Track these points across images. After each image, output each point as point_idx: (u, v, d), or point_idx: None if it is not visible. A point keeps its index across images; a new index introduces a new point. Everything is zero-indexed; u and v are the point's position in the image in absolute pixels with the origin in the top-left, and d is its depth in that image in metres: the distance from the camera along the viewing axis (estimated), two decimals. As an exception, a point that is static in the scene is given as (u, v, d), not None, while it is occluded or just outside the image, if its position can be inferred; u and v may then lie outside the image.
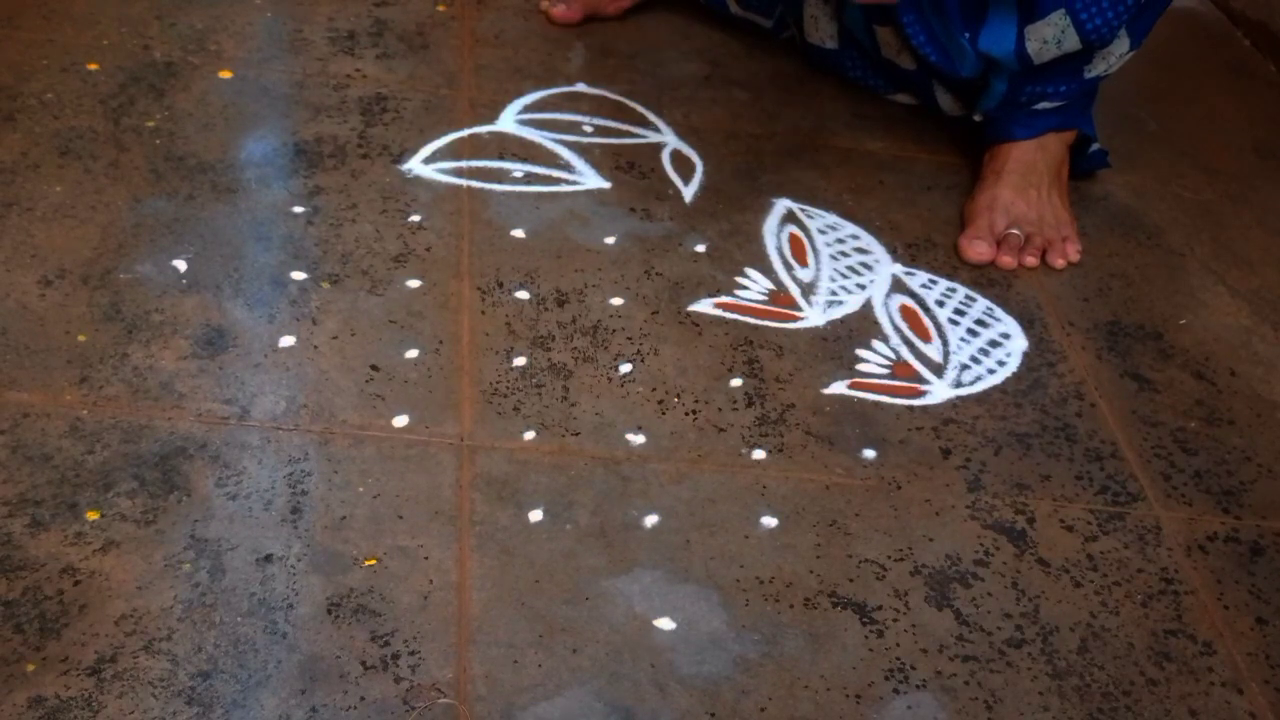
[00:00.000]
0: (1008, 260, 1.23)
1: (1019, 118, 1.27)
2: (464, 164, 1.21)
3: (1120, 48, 1.24)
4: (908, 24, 1.26)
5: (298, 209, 1.12)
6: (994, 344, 1.14)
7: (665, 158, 1.27)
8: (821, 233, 1.22)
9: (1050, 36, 1.20)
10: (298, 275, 1.06)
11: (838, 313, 1.14)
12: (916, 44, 1.27)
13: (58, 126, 1.16)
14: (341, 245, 1.10)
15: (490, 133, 1.26)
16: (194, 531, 0.85)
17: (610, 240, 1.16)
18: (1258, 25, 1.70)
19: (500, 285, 1.09)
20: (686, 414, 1.01)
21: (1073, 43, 1.20)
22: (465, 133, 1.25)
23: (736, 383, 1.05)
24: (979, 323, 1.16)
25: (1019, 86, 1.25)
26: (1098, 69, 1.25)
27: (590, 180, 1.22)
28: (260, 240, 1.08)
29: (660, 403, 1.02)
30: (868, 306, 1.15)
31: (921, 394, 1.07)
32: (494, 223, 1.15)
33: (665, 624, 0.86)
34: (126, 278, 1.03)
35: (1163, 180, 1.40)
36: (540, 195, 1.19)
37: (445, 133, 1.24)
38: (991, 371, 1.11)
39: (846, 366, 1.08)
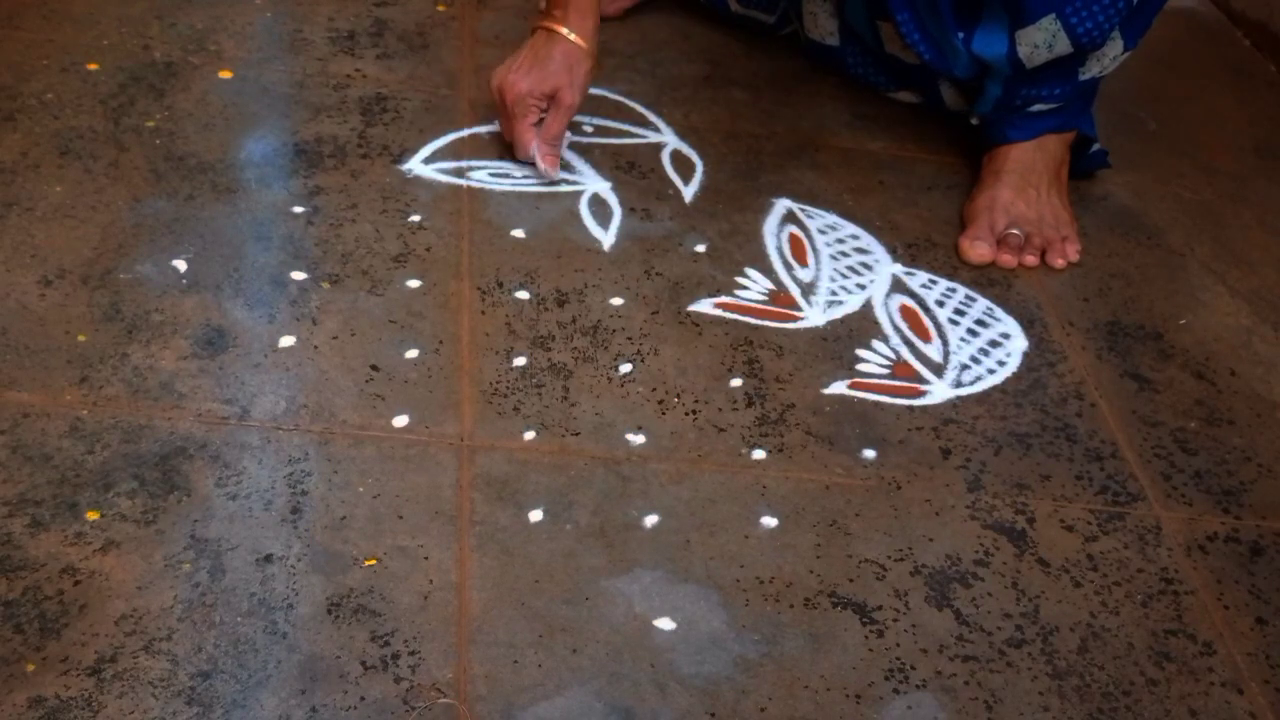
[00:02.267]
0: (1008, 259, 1.23)
1: (1015, 120, 1.27)
2: (464, 164, 1.21)
3: (1114, 49, 1.24)
4: (902, 21, 1.26)
5: (298, 209, 1.12)
6: (994, 344, 1.14)
7: (665, 158, 1.27)
8: (821, 233, 1.22)
9: (1041, 41, 1.20)
10: (298, 275, 1.06)
11: (838, 313, 1.14)
12: (911, 41, 1.27)
13: (58, 126, 1.16)
14: (341, 245, 1.10)
15: (490, 133, 1.26)
16: (194, 531, 0.85)
17: (610, 240, 1.16)
18: (1258, 25, 1.70)
19: (500, 285, 1.09)
20: (686, 414, 1.01)
21: (1064, 46, 1.20)
22: (465, 133, 1.25)
23: (736, 383, 1.05)
24: (979, 323, 1.16)
25: (1013, 90, 1.25)
26: (1092, 70, 1.25)
27: (590, 180, 1.22)
28: (260, 240, 1.08)
29: (660, 403, 1.02)
30: (868, 306, 1.15)
31: (921, 394, 1.07)
32: (494, 223, 1.15)
33: (665, 624, 0.86)
34: (126, 278, 1.03)
35: (1163, 180, 1.40)
36: (540, 195, 1.19)
37: (445, 133, 1.24)
38: (991, 371, 1.11)
39: (846, 366, 1.08)
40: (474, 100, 1.29)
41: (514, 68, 1.17)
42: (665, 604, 0.87)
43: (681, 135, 1.31)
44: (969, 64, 1.25)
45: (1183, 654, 0.91)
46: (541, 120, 1.19)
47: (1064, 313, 1.19)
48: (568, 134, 1.24)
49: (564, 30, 1.16)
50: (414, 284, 1.07)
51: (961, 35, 1.23)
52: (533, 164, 1.20)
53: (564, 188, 1.21)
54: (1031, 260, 1.24)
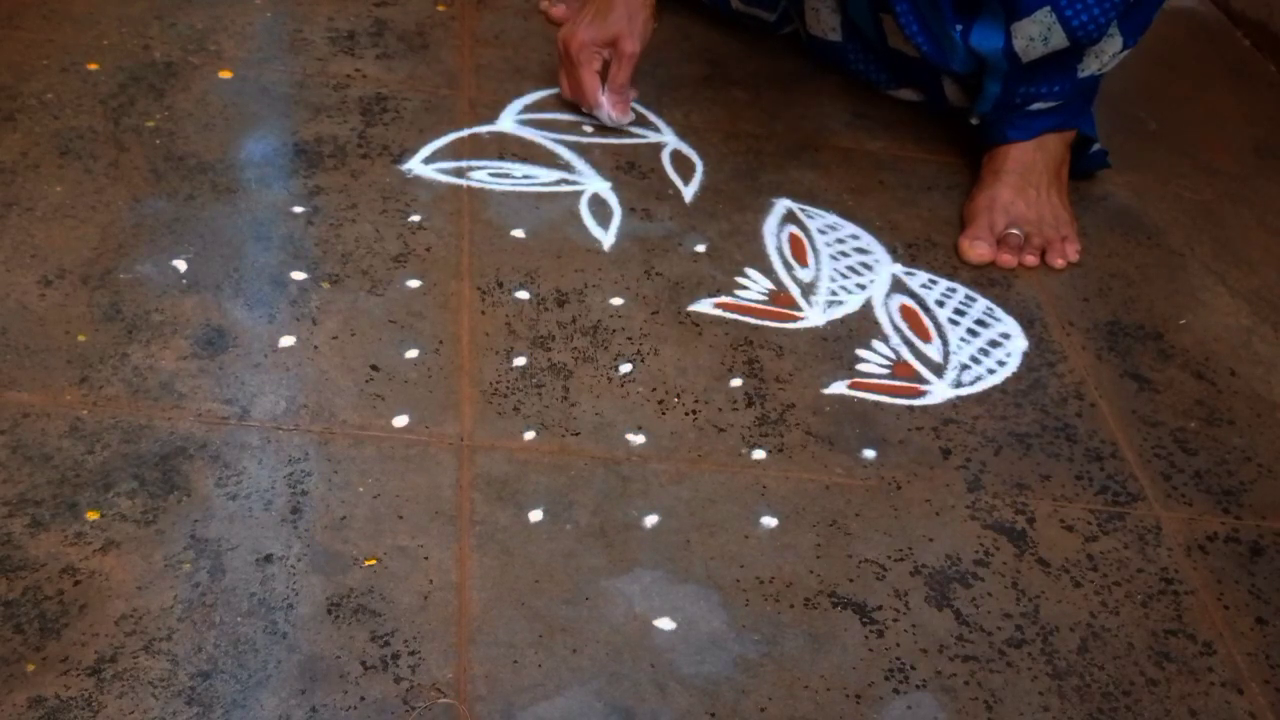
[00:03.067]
0: (1008, 259, 1.23)
1: (1014, 120, 1.27)
2: (464, 164, 1.21)
3: (1113, 46, 1.24)
4: (901, 13, 1.26)
5: (298, 209, 1.12)
6: (994, 344, 1.14)
7: (665, 158, 1.27)
8: (821, 233, 1.22)
9: (1036, 34, 1.20)
10: (298, 275, 1.06)
11: (838, 313, 1.14)
12: (909, 33, 1.27)
13: (58, 126, 1.16)
14: (341, 245, 1.10)
15: (490, 133, 1.26)
16: (194, 531, 0.85)
17: (610, 240, 1.16)
18: (1258, 25, 1.70)
19: (500, 285, 1.09)
20: (686, 414, 1.01)
21: (1060, 40, 1.20)
22: (465, 133, 1.25)
23: (736, 383, 1.05)
24: (979, 323, 1.16)
25: (1012, 88, 1.25)
26: (1090, 68, 1.25)
27: (590, 180, 1.22)
28: (260, 240, 1.08)
29: (660, 403, 1.02)
30: (868, 306, 1.15)
31: (921, 394, 1.07)
32: (494, 223, 1.15)
33: (665, 624, 0.86)
34: (126, 278, 1.03)
35: (1163, 180, 1.40)
36: (540, 195, 1.19)
37: (445, 133, 1.24)
38: (991, 371, 1.11)
39: (846, 366, 1.08)
40: (474, 100, 1.29)
41: (577, 21, 1.25)
42: (665, 604, 0.87)
43: (681, 135, 1.31)
44: (966, 58, 1.25)
45: (1183, 654, 0.91)
46: (606, 71, 1.26)
47: (1064, 313, 1.19)
48: (633, 91, 1.29)
49: None
50: (414, 284, 1.07)
51: (959, 28, 1.24)
52: (596, 114, 1.28)
53: (564, 188, 1.21)
54: (1031, 260, 1.24)
